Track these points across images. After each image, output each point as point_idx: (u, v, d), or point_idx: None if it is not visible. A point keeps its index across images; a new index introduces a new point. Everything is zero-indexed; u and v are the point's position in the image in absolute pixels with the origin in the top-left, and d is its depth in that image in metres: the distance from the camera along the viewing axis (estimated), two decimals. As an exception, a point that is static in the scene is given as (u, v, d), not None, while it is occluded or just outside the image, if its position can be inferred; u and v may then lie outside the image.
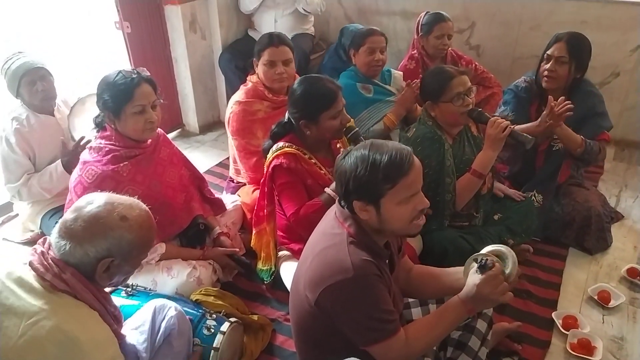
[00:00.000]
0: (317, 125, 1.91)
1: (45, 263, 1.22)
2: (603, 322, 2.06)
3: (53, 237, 1.25)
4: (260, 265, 2.15)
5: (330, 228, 1.40)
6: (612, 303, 2.11)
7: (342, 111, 1.92)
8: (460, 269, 1.47)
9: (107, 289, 1.43)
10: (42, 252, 1.25)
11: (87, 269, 1.24)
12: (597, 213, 2.41)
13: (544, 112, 2.25)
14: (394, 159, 1.26)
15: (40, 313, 1.14)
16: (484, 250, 1.42)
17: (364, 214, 1.31)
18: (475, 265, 1.36)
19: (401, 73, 2.90)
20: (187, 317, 1.65)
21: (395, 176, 1.26)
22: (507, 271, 1.35)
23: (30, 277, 1.21)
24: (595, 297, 2.14)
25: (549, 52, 2.35)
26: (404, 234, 1.43)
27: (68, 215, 1.26)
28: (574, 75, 2.35)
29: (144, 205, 1.34)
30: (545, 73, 2.36)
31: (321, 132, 1.93)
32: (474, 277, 1.33)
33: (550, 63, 2.34)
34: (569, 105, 2.17)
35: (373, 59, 2.66)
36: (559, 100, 2.20)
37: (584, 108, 2.30)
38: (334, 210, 1.44)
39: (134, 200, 1.33)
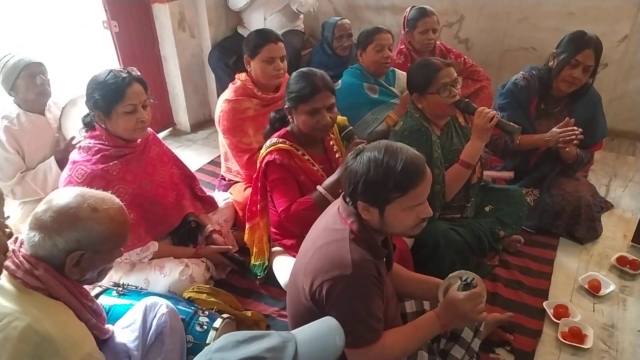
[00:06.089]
0: (297, 116, 1.89)
1: (17, 260, 1.20)
2: (594, 310, 2.08)
3: (25, 230, 1.23)
4: (252, 261, 2.15)
5: (332, 224, 1.39)
6: (603, 291, 2.13)
7: (320, 110, 1.84)
8: (430, 280, 1.58)
9: (89, 287, 1.39)
10: (13, 250, 1.22)
11: (57, 263, 1.21)
12: (587, 203, 2.43)
13: (556, 129, 2.26)
14: (407, 168, 1.25)
15: (12, 314, 1.12)
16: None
17: (366, 214, 1.32)
18: (459, 282, 1.42)
19: (405, 74, 2.82)
20: (180, 315, 1.65)
21: (407, 186, 1.25)
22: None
23: (2, 278, 1.18)
24: (586, 286, 2.16)
25: (578, 57, 2.22)
26: (402, 235, 1.44)
27: (39, 207, 1.24)
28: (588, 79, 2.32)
29: (118, 200, 1.32)
30: (570, 79, 2.28)
31: (299, 125, 1.90)
32: (456, 294, 1.38)
33: (579, 71, 2.24)
34: (579, 136, 2.22)
35: (382, 56, 2.67)
36: (567, 122, 2.24)
37: (588, 112, 2.30)
38: (337, 206, 1.43)
39: (107, 194, 1.30)
